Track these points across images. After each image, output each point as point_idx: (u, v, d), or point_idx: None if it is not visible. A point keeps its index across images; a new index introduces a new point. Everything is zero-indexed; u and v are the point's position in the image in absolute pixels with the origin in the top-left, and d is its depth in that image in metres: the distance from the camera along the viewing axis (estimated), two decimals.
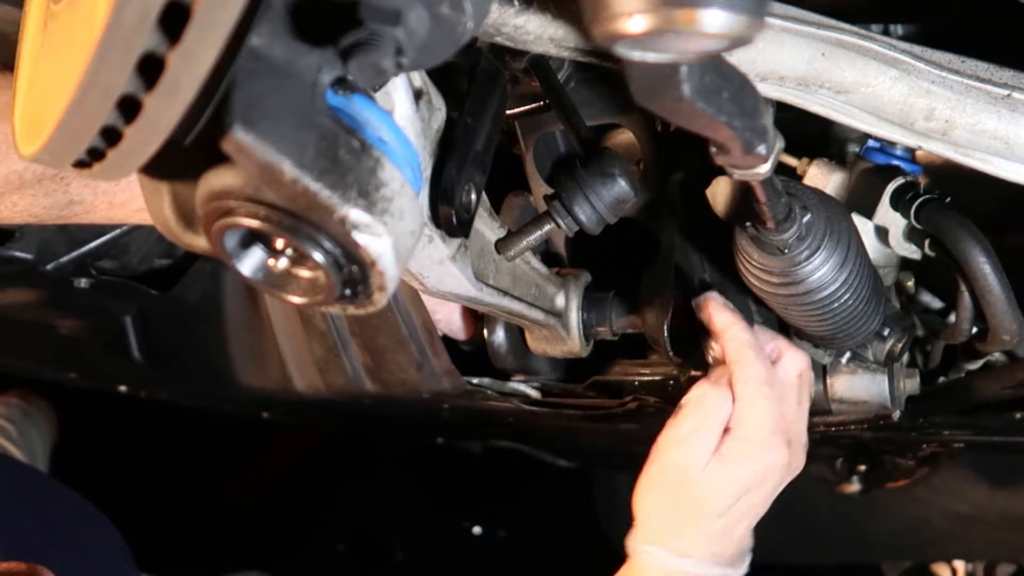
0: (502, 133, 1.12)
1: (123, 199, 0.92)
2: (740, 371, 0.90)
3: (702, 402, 0.91)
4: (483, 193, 0.83)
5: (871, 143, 1.00)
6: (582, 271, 1.10)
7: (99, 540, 1.43)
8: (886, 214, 0.95)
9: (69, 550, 1.33)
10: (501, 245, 0.88)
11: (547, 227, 0.85)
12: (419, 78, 0.69)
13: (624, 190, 0.82)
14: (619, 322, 1.09)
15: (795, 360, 0.95)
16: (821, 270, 0.84)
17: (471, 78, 0.79)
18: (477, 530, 2.89)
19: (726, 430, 0.90)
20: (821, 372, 1.11)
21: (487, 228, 0.88)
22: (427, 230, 0.72)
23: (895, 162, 0.99)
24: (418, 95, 0.69)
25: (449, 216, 0.71)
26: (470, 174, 0.73)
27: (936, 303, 1.19)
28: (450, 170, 0.71)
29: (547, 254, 1.20)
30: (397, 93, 0.64)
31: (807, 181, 0.99)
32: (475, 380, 1.28)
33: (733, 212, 0.93)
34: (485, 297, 0.86)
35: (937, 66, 0.78)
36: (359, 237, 0.53)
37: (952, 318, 1.02)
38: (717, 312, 0.93)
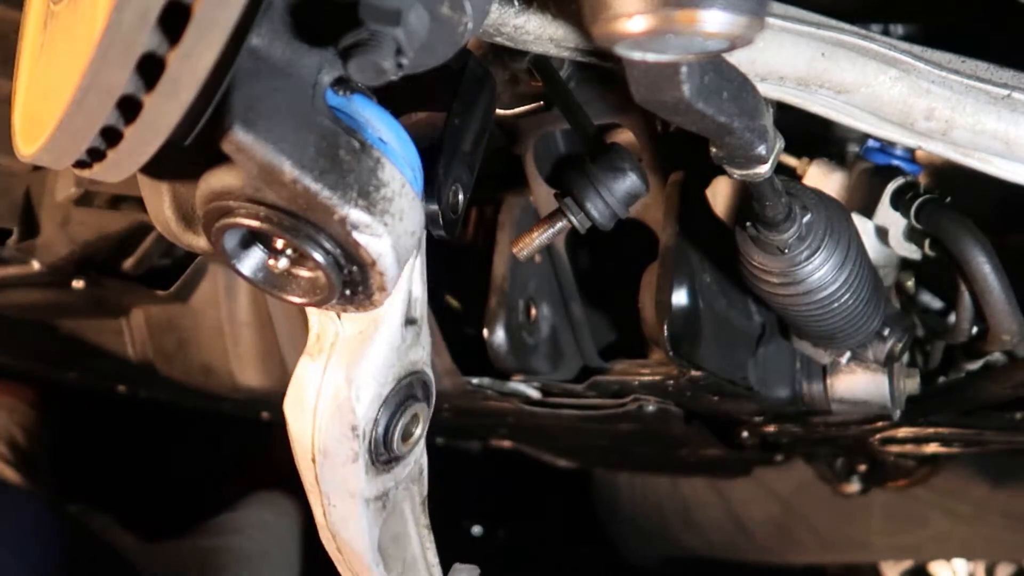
0: (502, 133, 1.12)
1: None
2: None
3: None
4: (439, 557, 0.78)
5: (871, 143, 1.00)
6: None
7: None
8: (886, 214, 0.95)
9: None
10: (514, 244, 0.87)
11: (559, 224, 0.84)
12: None
13: (636, 183, 0.82)
14: None
15: None
16: (821, 270, 0.84)
17: (459, 78, 0.79)
18: (477, 530, 2.89)
19: None
20: (821, 372, 1.11)
21: (417, 540, 0.81)
22: (356, 447, 0.67)
23: (895, 162, 0.99)
24: None
25: (435, 214, 0.69)
26: (457, 174, 0.72)
27: (936, 303, 1.19)
28: (437, 169, 0.70)
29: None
30: None
31: (807, 181, 0.99)
32: (475, 380, 1.27)
33: (733, 212, 0.93)
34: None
35: (937, 66, 0.78)
36: (359, 237, 0.53)
37: (952, 318, 1.02)
38: None
